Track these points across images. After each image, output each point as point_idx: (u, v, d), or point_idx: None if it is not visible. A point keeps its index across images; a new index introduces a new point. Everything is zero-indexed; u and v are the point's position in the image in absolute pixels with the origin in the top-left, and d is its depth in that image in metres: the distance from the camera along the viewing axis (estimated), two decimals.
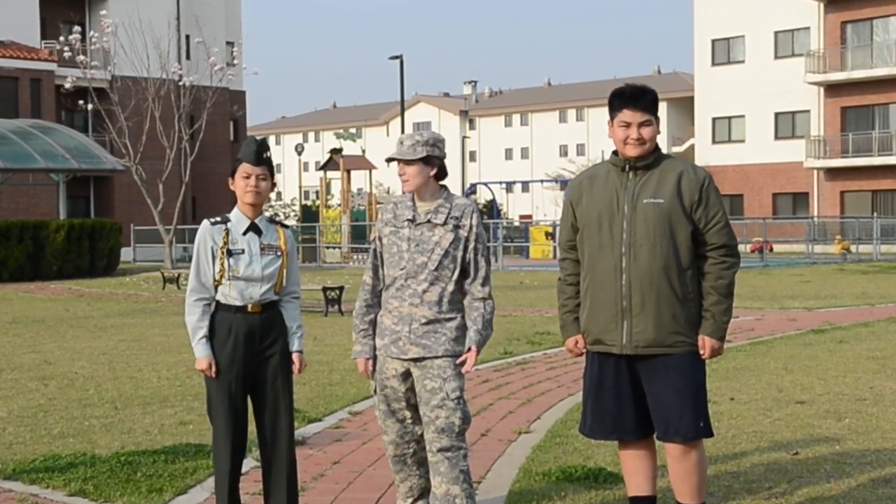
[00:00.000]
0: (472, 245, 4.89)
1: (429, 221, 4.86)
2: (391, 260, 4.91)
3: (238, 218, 5.02)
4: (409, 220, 4.89)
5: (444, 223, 4.85)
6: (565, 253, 4.98)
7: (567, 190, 5.02)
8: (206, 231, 5.00)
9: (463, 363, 4.83)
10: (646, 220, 4.66)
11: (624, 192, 4.73)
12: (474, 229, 4.89)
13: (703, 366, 4.80)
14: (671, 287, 4.65)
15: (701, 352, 4.72)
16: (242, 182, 4.96)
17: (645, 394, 4.77)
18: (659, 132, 4.76)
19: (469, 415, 4.90)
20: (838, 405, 8.27)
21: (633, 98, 4.71)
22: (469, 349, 4.83)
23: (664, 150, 4.91)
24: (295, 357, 5.06)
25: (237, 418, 5.00)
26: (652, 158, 4.75)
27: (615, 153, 4.81)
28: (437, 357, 4.83)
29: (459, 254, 4.86)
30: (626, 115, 4.70)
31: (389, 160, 4.94)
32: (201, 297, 4.99)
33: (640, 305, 4.66)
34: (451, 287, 4.85)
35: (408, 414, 4.97)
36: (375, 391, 5.02)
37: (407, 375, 4.92)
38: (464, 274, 4.91)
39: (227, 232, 4.98)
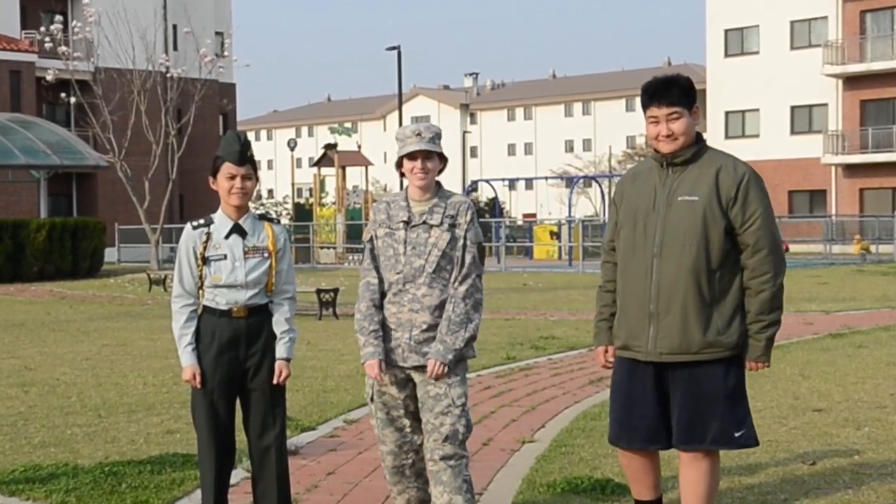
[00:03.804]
0: (460, 242, 4.89)
1: (424, 223, 4.88)
2: (387, 263, 4.91)
3: (221, 220, 5.02)
4: (403, 221, 4.90)
5: (440, 223, 4.87)
6: (606, 256, 4.99)
7: (615, 189, 5.01)
8: (188, 236, 5.01)
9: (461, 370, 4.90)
10: (679, 219, 4.63)
11: (662, 190, 4.71)
12: (465, 225, 4.90)
13: (739, 373, 4.73)
14: (699, 291, 4.60)
15: (747, 369, 4.72)
16: (227, 183, 4.95)
17: (669, 403, 4.75)
18: (697, 122, 4.70)
19: (471, 423, 4.94)
20: (857, 413, 8.27)
21: (657, 93, 4.68)
22: (429, 360, 4.81)
23: None
24: (277, 365, 5.00)
25: (220, 427, 5.01)
26: (691, 153, 4.70)
27: (655, 149, 4.79)
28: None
29: (457, 254, 4.87)
30: (653, 111, 4.68)
31: (409, 155, 4.84)
32: (186, 303, 5.00)
33: (667, 310, 4.63)
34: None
35: (407, 422, 4.98)
36: (372, 399, 5.00)
37: (406, 381, 4.92)
38: None
39: (209, 236, 4.97)
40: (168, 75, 35.49)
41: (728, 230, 4.62)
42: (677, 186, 4.68)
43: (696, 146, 4.72)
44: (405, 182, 5.01)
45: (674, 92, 4.66)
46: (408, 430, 4.99)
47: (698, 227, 4.60)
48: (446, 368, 4.81)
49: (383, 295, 4.96)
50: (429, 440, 4.87)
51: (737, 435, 4.70)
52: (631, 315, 4.74)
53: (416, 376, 4.90)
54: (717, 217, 4.60)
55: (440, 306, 4.84)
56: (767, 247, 4.62)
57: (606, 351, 4.94)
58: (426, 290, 4.83)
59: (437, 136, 4.91)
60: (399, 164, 4.94)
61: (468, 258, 4.90)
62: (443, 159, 4.94)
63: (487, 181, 47.89)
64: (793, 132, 51.08)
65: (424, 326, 4.84)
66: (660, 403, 4.75)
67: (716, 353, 4.65)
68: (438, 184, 4.98)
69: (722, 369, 4.68)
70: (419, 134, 4.86)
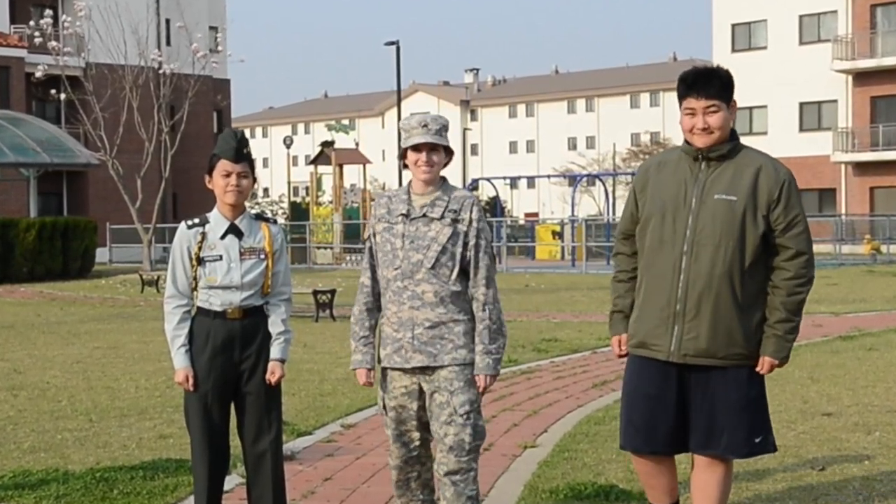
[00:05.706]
0: (472, 241, 4.82)
1: (424, 216, 4.81)
2: (385, 259, 4.85)
3: (217, 219, 5.01)
4: (403, 214, 4.83)
5: (441, 217, 4.80)
6: (619, 246, 4.95)
7: (634, 176, 4.95)
8: (183, 235, 5.01)
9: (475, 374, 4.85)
10: (713, 218, 4.57)
11: (694, 184, 4.64)
12: (475, 224, 4.83)
13: (761, 380, 4.73)
14: (732, 294, 4.57)
15: (758, 368, 4.67)
16: (222, 181, 4.95)
17: (689, 406, 4.71)
18: (733, 117, 4.66)
19: (483, 429, 4.85)
20: (868, 417, 8.27)
21: (696, 83, 4.61)
22: (478, 377, 4.80)
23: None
24: (270, 366, 5.00)
25: (214, 431, 5.01)
26: (727, 148, 4.64)
27: (687, 141, 4.73)
28: (443, 367, 4.78)
29: (458, 250, 4.80)
30: (691, 102, 4.62)
31: (414, 147, 4.78)
32: (179, 304, 5.00)
33: (695, 310, 4.58)
34: (452, 287, 4.79)
35: (416, 436, 4.90)
36: (386, 411, 4.94)
37: (419, 391, 4.84)
38: (465, 273, 4.85)
39: (204, 236, 4.97)
40: (161, 71, 35.47)
41: (765, 233, 4.58)
42: (711, 183, 4.61)
43: (732, 143, 4.67)
44: (407, 175, 4.97)
45: (714, 84, 4.60)
46: (415, 443, 4.91)
47: (736, 227, 4.55)
48: (492, 381, 4.83)
49: (380, 295, 4.93)
50: (436, 450, 4.81)
51: (757, 441, 4.70)
52: (652, 312, 4.69)
53: (425, 385, 4.82)
54: (755, 220, 4.56)
55: (441, 303, 4.77)
56: (808, 251, 4.62)
57: (621, 341, 4.89)
58: (426, 286, 4.76)
59: (443, 129, 4.83)
60: (403, 156, 4.88)
61: (486, 259, 4.84)
62: (449, 152, 4.87)
63: (488, 179, 47.90)
64: (801, 129, 51.06)
65: (428, 324, 4.77)
66: (679, 406, 4.71)
67: (742, 360, 4.64)
68: (443, 178, 4.91)
69: (746, 376, 4.66)
70: (425, 125, 4.79)
